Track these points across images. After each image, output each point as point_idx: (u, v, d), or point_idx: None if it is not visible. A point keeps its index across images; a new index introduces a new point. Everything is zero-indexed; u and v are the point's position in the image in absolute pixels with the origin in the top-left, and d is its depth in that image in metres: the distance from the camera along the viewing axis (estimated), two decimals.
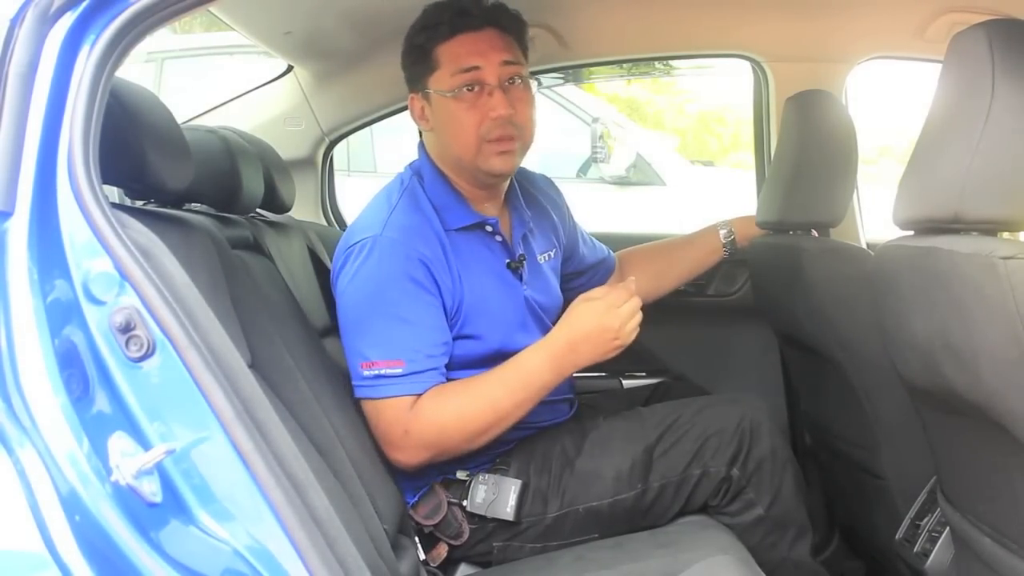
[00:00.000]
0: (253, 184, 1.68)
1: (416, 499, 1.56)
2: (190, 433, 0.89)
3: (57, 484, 0.83)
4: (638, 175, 4.39)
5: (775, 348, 2.21)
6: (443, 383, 1.49)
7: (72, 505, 0.83)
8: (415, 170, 1.63)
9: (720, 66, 4.27)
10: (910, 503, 1.58)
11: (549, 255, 1.75)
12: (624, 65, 3.80)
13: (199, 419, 0.89)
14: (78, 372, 0.88)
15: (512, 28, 1.58)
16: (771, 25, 2.17)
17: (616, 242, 2.10)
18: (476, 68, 1.52)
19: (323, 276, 1.90)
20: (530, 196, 1.76)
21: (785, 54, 2.24)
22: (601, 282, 1.95)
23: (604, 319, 1.46)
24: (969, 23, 1.13)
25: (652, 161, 4.44)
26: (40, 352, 0.87)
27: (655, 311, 2.03)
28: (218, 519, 0.87)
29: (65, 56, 0.92)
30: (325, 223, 2.49)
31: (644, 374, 2.31)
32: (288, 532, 0.87)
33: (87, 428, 0.85)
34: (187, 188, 1.27)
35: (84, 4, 0.92)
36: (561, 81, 3.91)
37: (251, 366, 1.09)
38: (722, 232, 1.97)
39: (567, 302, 1.79)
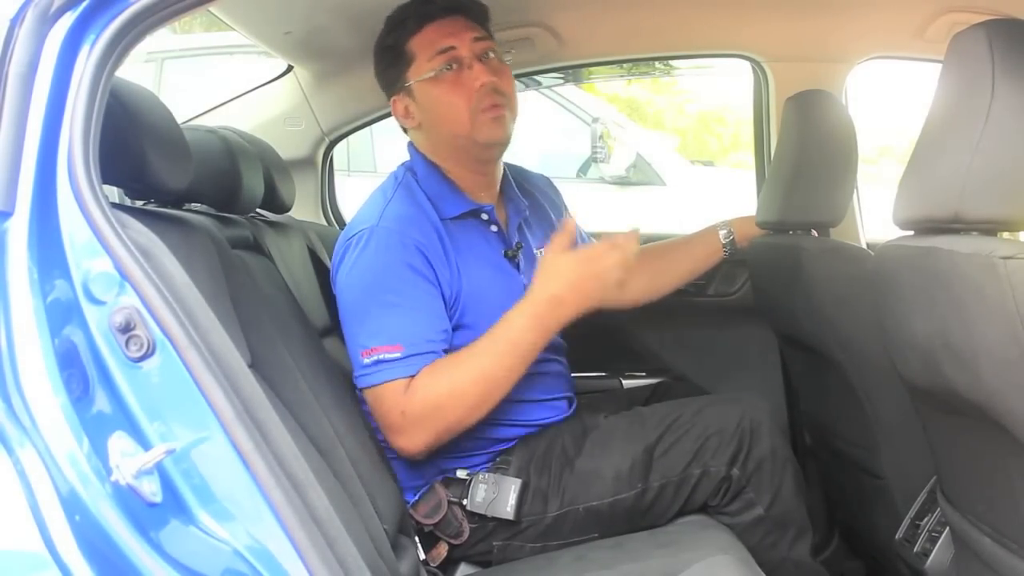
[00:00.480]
0: (253, 184, 1.68)
1: (416, 498, 1.57)
2: (190, 433, 0.89)
3: (57, 484, 0.83)
4: (638, 175, 4.39)
5: (775, 348, 2.21)
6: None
7: (72, 505, 0.83)
8: (408, 167, 1.66)
9: (720, 66, 4.26)
10: (910, 503, 1.58)
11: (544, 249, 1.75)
12: (624, 65, 3.79)
13: (199, 419, 0.89)
14: (78, 372, 0.88)
15: (475, 13, 1.63)
16: (771, 25, 2.17)
17: None
18: (451, 48, 1.57)
19: (323, 276, 1.91)
20: (525, 190, 1.78)
21: (785, 54, 2.24)
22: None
23: (583, 268, 1.46)
24: (969, 23, 1.13)
25: (652, 161, 4.45)
26: (40, 352, 0.87)
27: (655, 311, 2.04)
28: (218, 519, 0.87)
29: (65, 56, 0.92)
30: (325, 223, 2.49)
31: (644, 374, 2.31)
32: (288, 532, 0.87)
33: (87, 428, 0.85)
34: (187, 188, 1.27)
35: (84, 4, 0.92)
36: (561, 81, 3.90)
37: (251, 366, 1.09)
38: (722, 232, 1.97)
39: None
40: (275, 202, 1.87)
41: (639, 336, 2.35)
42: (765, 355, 2.28)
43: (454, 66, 1.57)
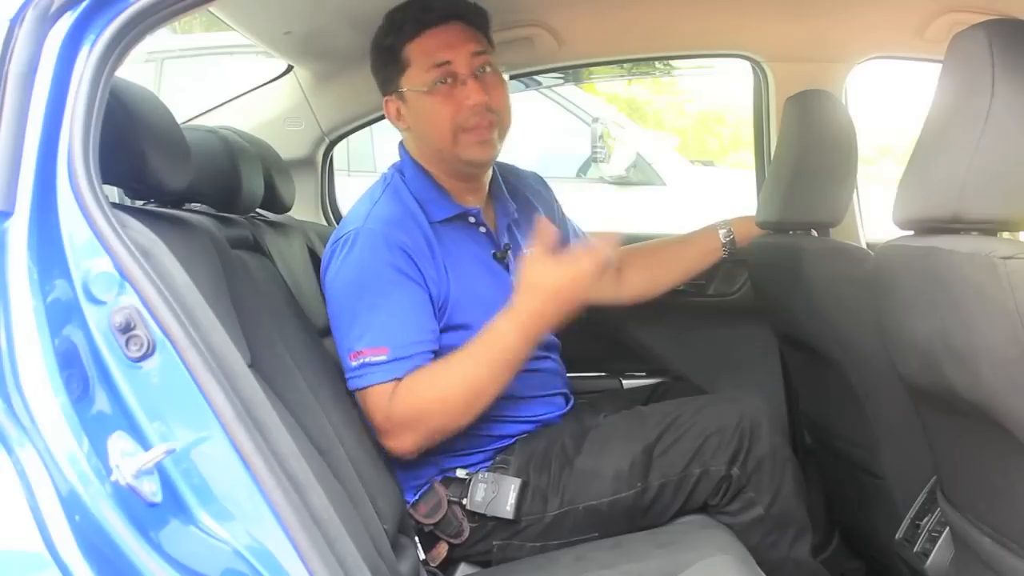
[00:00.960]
0: (253, 184, 1.68)
1: (416, 498, 1.57)
2: (190, 433, 0.89)
3: (57, 484, 0.83)
4: (638, 175, 4.39)
5: (775, 348, 2.21)
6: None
7: (72, 505, 0.83)
8: (397, 169, 1.66)
9: (720, 66, 4.27)
10: (910, 503, 1.58)
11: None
12: (624, 65, 3.80)
13: (199, 419, 0.89)
14: (78, 372, 0.88)
15: (476, 20, 1.62)
16: (771, 25, 2.17)
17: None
18: (447, 63, 1.56)
19: None
20: (514, 189, 1.78)
21: (785, 54, 2.24)
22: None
23: (561, 275, 1.44)
24: (969, 23, 1.13)
25: (652, 161, 4.44)
26: (40, 352, 0.87)
27: (655, 311, 2.04)
28: (218, 519, 0.88)
29: (65, 56, 0.92)
30: (325, 223, 2.49)
31: (644, 374, 2.31)
32: (288, 532, 0.87)
33: (87, 428, 0.85)
34: (187, 188, 1.27)
35: (84, 4, 0.93)
36: (561, 81, 3.91)
37: (251, 366, 1.09)
38: (721, 232, 1.97)
39: None
40: (275, 202, 1.87)
41: (639, 336, 2.35)
42: (765, 355, 2.27)
43: (448, 80, 1.56)
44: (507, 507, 1.52)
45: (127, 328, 0.88)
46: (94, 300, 0.89)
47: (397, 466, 1.56)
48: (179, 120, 1.30)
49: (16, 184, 0.90)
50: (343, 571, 0.91)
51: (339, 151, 2.58)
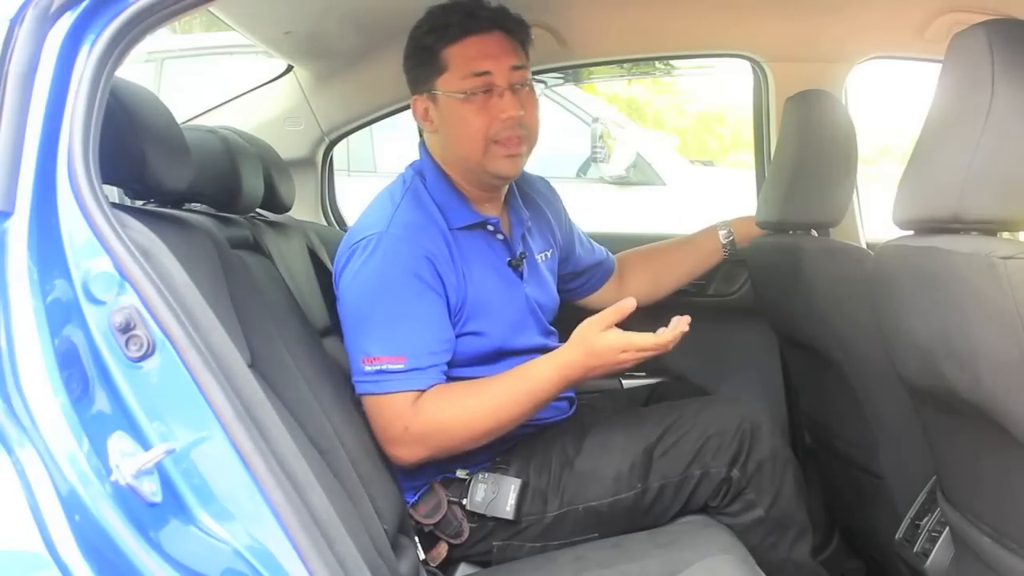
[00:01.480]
0: (253, 184, 1.68)
1: (416, 498, 1.57)
2: (190, 433, 0.89)
3: (57, 484, 0.83)
4: (638, 175, 4.39)
5: (775, 348, 2.21)
6: (445, 382, 1.49)
7: (72, 505, 0.83)
8: (417, 170, 1.63)
9: (720, 66, 4.27)
10: (910, 503, 1.58)
11: (546, 255, 1.76)
12: (624, 65, 3.80)
13: (199, 419, 0.89)
14: (78, 372, 0.88)
15: (518, 32, 1.59)
16: (771, 25, 2.17)
17: (616, 242, 2.10)
18: (487, 73, 1.54)
19: (323, 276, 1.90)
20: (527, 197, 1.77)
21: (785, 54, 2.24)
22: (599, 284, 1.95)
23: (623, 356, 1.45)
24: (969, 23, 1.13)
25: (652, 161, 4.45)
26: (40, 352, 0.87)
27: (655, 311, 2.03)
28: (218, 519, 0.87)
29: (65, 56, 0.92)
30: (325, 223, 2.49)
31: (644, 374, 2.30)
32: (288, 532, 0.87)
33: (87, 428, 0.85)
34: (187, 188, 1.27)
35: (84, 4, 0.93)
36: (561, 81, 3.91)
37: (251, 366, 1.09)
38: (721, 233, 1.97)
39: (563, 303, 1.81)
40: (275, 202, 1.87)
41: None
42: (765, 355, 2.27)
43: (485, 91, 1.54)
44: (507, 507, 1.52)
45: (127, 328, 0.88)
46: (94, 300, 0.89)
47: (397, 466, 1.55)
48: (179, 120, 1.30)
49: (16, 184, 0.90)
50: (343, 571, 0.91)
51: (339, 151, 2.58)
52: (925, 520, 1.53)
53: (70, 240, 0.91)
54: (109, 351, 0.89)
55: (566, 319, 1.60)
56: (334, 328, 1.71)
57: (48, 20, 0.92)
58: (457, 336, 1.53)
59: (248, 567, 0.86)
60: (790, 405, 2.28)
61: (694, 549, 1.41)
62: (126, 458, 0.85)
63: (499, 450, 1.58)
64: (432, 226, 1.54)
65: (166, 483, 0.87)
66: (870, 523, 1.76)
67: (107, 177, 0.96)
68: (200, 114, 2.33)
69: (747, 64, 2.31)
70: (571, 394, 1.73)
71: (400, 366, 1.45)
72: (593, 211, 3.97)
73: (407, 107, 1.69)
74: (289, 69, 2.34)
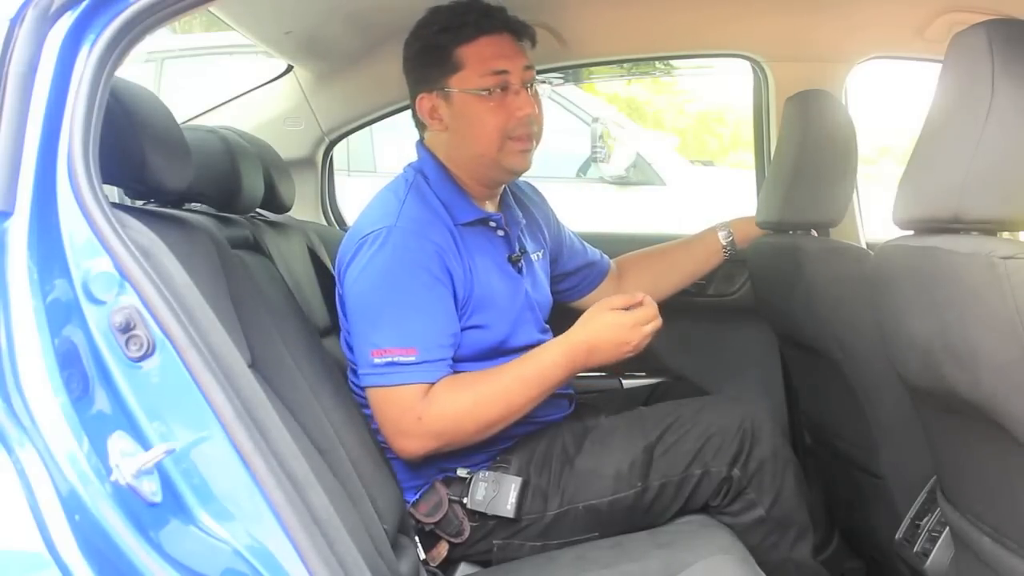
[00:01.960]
0: (253, 184, 1.68)
1: (416, 497, 1.57)
2: (190, 433, 0.89)
3: (57, 484, 0.83)
4: (638, 175, 4.39)
5: (775, 348, 2.21)
6: (453, 374, 1.50)
7: (72, 505, 0.83)
8: (417, 169, 1.64)
9: (720, 66, 4.27)
10: (910, 503, 1.58)
11: (539, 255, 1.78)
12: (624, 65, 3.79)
13: (199, 419, 0.89)
14: (78, 372, 0.88)
15: (524, 36, 1.64)
16: (771, 25, 2.17)
17: (616, 243, 2.10)
18: (504, 72, 1.58)
19: (323, 276, 1.91)
20: (517, 199, 1.80)
21: (785, 54, 2.24)
22: (593, 285, 1.95)
23: (627, 333, 1.49)
24: (969, 23, 1.13)
25: (652, 161, 4.45)
26: (40, 352, 0.87)
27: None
28: (218, 519, 0.87)
29: (65, 56, 0.92)
30: (325, 223, 2.49)
31: (644, 374, 2.31)
32: (288, 532, 0.87)
33: (87, 428, 0.85)
34: (187, 188, 1.27)
35: (84, 4, 0.93)
36: (561, 81, 3.91)
37: (251, 366, 1.09)
38: (721, 234, 1.97)
39: (560, 306, 1.81)
40: (275, 202, 1.87)
41: None
42: (765, 355, 2.27)
43: (502, 89, 1.58)
44: (508, 506, 1.52)
45: (127, 328, 0.88)
46: (94, 300, 0.89)
47: (397, 466, 1.56)
48: (179, 120, 1.30)
49: (16, 184, 0.90)
50: (343, 571, 0.91)
51: (339, 151, 2.58)
52: (925, 520, 1.53)
53: (70, 240, 0.91)
54: (109, 351, 0.89)
55: (562, 322, 1.60)
56: (334, 328, 1.71)
57: (48, 20, 0.92)
58: (462, 330, 1.54)
59: (248, 567, 0.86)
60: (790, 405, 2.28)
61: (694, 549, 1.41)
62: (126, 458, 0.85)
63: (500, 448, 1.59)
64: (438, 221, 1.56)
65: (166, 483, 0.87)
66: (870, 523, 1.76)
67: (107, 177, 0.96)
68: (200, 114, 2.33)
69: (747, 64, 2.31)
70: (571, 391, 1.73)
71: (411, 358, 1.46)
72: (593, 211, 3.98)
73: (407, 107, 1.69)
74: (289, 69, 2.34)
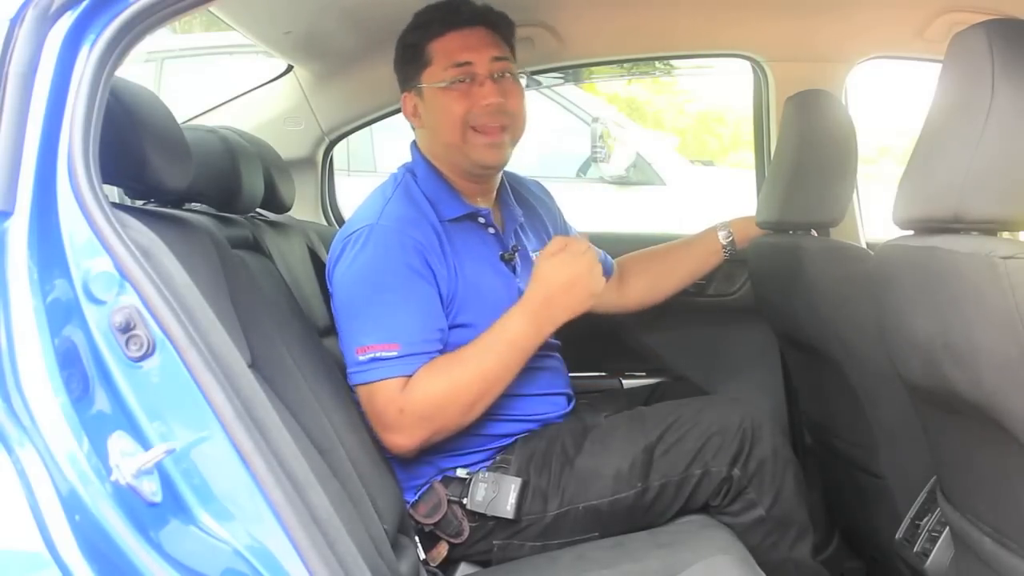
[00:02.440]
0: (253, 184, 1.68)
1: (416, 498, 1.57)
2: (190, 433, 0.89)
3: (57, 484, 0.83)
4: (638, 175, 4.38)
5: (775, 348, 2.21)
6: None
7: (72, 505, 0.83)
8: (408, 168, 1.67)
9: (720, 66, 4.27)
10: (910, 503, 1.58)
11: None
12: (624, 65, 3.79)
13: (199, 419, 0.89)
14: (78, 372, 0.88)
15: (501, 28, 1.65)
16: (771, 25, 2.17)
17: (616, 242, 2.10)
18: (468, 63, 1.59)
19: (323, 276, 1.90)
20: (520, 197, 1.81)
21: (785, 54, 2.24)
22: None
23: (572, 267, 1.52)
24: (969, 23, 1.13)
25: (652, 161, 4.44)
26: (40, 352, 0.87)
27: (655, 311, 2.04)
28: (218, 519, 0.87)
29: (65, 56, 0.92)
30: (325, 223, 2.49)
31: (644, 374, 2.31)
32: (288, 532, 0.87)
33: (87, 428, 0.85)
34: (187, 188, 1.27)
35: (84, 4, 0.93)
36: (561, 81, 3.90)
37: (251, 366, 1.09)
38: (721, 234, 1.97)
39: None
40: (275, 202, 1.87)
41: (639, 336, 2.35)
42: (765, 355, 2.27)
43: (466, 80, 1.59)
44: (507, 507, 1.52)
45: (127, 328, 0.88)
46: (94, 300, 0.89)
47: (397, 466, 1.56)
48: (179, 120, 1.30)
49: (16, 184, 0.90)
50: (343, 571, 0.91)
51: (339, 151, 2.58)
52: (925, 520, 1.53)
53: (70, 240, 0.91)
54: (109, 351, 0.89)
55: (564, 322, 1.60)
56: (334, 328, 1.70)
57: (48, 20, 0.92)
58: (452, 327, 1.55)
59: (248, 567, 0.86)
60: (790, 405, 2.28)
61: (694, 549, 1.41)
62: (126, 458, 0.85)
63: (499, 446, 1.59)
64: (422, 219, 1.57)
65: (166, 483, 0.87)
66: (870, 523, 1.76)
67: (107, 177, 0.96)
68: (200, 114, 2.33)
69: (747, 64, 2.31)
70: (568, 390, 1.74)
71: (393, 353, 1.47)
72: (593, 211, 3.97)
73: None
74: (289, 69, 2.34)
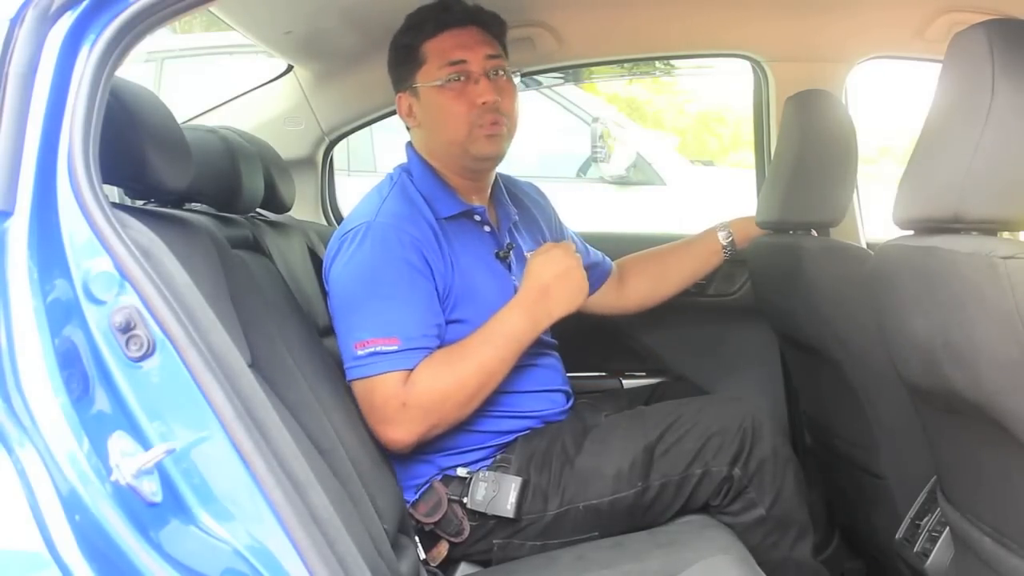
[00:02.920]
0: (253, 184, 1.68)
1: (416, 497, 1.57)
2: (190, 433, 0.89)
3: (57, 484, 0.83)
4: (638, 175, 4.38)
5: (775, 348, 2.21)
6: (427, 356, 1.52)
7: (72, 505, 0.83)
8: (404, 169, 1.69)
9: (720, 66, 4.27)
10: (910, 503, 1.58)
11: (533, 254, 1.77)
12: (624, 65, 3.79)
13: (199, 419, 0.89)
14: (78, 372, 0.88)
15: (493, 27, 1.67)
16: (771, 25, 2.17)
17: (616, 243, 2.10)
18: (462, 61, 1.60)
19: (323, 275, 1.90)
20: (515, 197, 1.82)
21: (785, 54, 2.24)
22: (594, 287, 1.96)
23: (564, 261, 1.57)
24: (969, 23, 1.13)
25: (652, 161, 4.44)
26: (40, 352, 0.87)
27: (655, 311, 2.04)
28: (218, 519, 0.87)
29: (65, 56, 0.92)
30: (325, 223, 2.49)
31: (644, 374, 2.31)
32: (288, 532, 0.87)
33: (87, 428, 0.85)
34: (187, 188, 1.27)
35: (84, 4, 0.92)
36: (561, 81, 3.90)
37: (251, 366, 1.08)
38: (721, 234, 1.97)
39: None
40: (275, 202, 1.87)
41: (639, 336, 2.35)
42: (765, 355, 2.28)
43: (461, 78, 1.60)
44: (508, 506, 1.52)
45: (127, 328, 0.88)
46: (94, 300, 0.89)
47: (397, 465, 1.56)
48: (179, 120, 1.30)
49: (16, 184, 0.90)
50: (343, 571, 0.91)
51: (339, 151, 2.58)
52: (925, 520, 1.53)
53: (70, 240, 0.91)
54: (109, 351, 0.89)
55: (561, 322, 1.60)
56: (334, 328, 1.71)
57: (48, 20, 0.92)
58: (447, 323, 1.56)
59: (248, 567, 0.86)
60: (790, 405, 2.28)
61: (694, 549, 1.41)
62: (126, 458, 0.85)
63: (499, 444, 1.59)
64: (419, 216, 1.59)
65: (166, 483, 0.87)
66: (870, 523, 1.76)
67: (107, 177, 0.96)
68: (200, 114, 2.33)
69: (747, 64, 2.31)
70: (566, 387, 1.74)
71: (393, 347, 1.47)
72: (593, 211, 3.98)
73: None
74: (289, 69, 2.34)
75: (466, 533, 1.54)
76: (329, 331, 1.74)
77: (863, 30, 2.13)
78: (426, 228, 1.57)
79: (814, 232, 1.80)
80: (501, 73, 1.64)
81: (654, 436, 1.55)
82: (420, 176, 1.65)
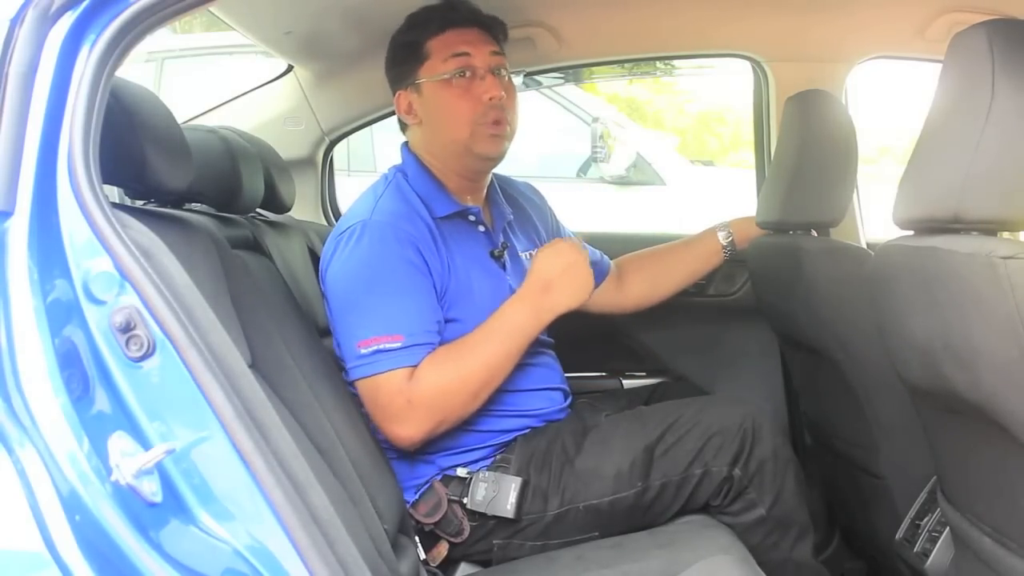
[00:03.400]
0: (253, 184, 1.68)
1: (416, 497, 1.57)
2: (190, 433, 0.89)
3: (57, 484, 0.83)
4: (638, 175, 4.38)
5: (775, 348, 2.21)
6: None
7: (72, 505, 0.83)
8: (399, 169, 1.69)
9: (720, 66, 4.27)
10: (910, 503, 1.58)
11: (530, 254, 1.77)
12: (624, 65, 3.79)
13: (199, 419, 0.89)
14: (78, 372, 0.88)
15: (494, 30, 1.68)
16: (771, 25, 2.17)
17: (616, 242, 2.10)
18: (467, 54, 1.61)
19: None
20: (510, 197, 1.82)
21: (785, 54, 2.24)
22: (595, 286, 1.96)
23: (568, 256, 1.58)
24: (969, 23, 1.13)
25: (652, 161, 4.44)
26: (40, 352, 0.87)
27: (655, 311, 2.04)
28: (218, 519, 0.88)
29: (65, 56, 0.92)
30: (325, 223, 2.49)
31: (644, 374, 2.31)
32: (288, 532, 0.87)
33: (87, 428, 0.85)
34: (187, 188, 1.27)
35: (84, 4, 0.93)
36: (561, 81, 3.90)
37: (251, 366, 1.08)
38: (721, 234, 1.97)
39: None
40: (275, 202, 1.87)
41: (639, 336, 2.35)
42: (765, 355, 2.28)
43: (467, 73, 1.61)
44: (508, 506, 1.52)
45: (127, 328, 0.88)
46: (94, 300, 0.89)
47: (397, 465, 1.56)
48: (179, 120, 1.30)
49: (16, 184, 0.90)
50: (343, 571, 0.91)
51: (339, 151, 2.58)
52: (925, 520, 1.53)
53: (70, 240, 0.91)
54: (109, 351, 0.89)
55: (561, 322, 1.60)
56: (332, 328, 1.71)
57: (48, 20, 0.92)
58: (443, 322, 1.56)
59: (248, 567, 0.86)
60: (790, 405, 2.28)
61: (694, 549, 1.41)
62: (126, 458, 0.85)
63: (499, 443, 1.59)
64: (415, 215, 1.59)
65: (166, 483, 0.87)
66: (870, 523, 1.76)
67: (107, 177, 0.96)
68: (200, 114, 2.33)
69: (747, 64, 2.31)
70: (564, 386, 1.74)
71: (397, 344, 1.47)
72: (593, 211, 3.98)
73: None
74: (289, 69, 2.34)
75: (466, 533, 1.54)
76: (329, 331, 1.75)
77: (863, 30, 2.13)
78: (422, 227, 1.57)
79: (814, 232, 1.80)
80: (503, 72, 1.65)
81: (654, 436, 1.55)
82: (415, 176, 1.65)
